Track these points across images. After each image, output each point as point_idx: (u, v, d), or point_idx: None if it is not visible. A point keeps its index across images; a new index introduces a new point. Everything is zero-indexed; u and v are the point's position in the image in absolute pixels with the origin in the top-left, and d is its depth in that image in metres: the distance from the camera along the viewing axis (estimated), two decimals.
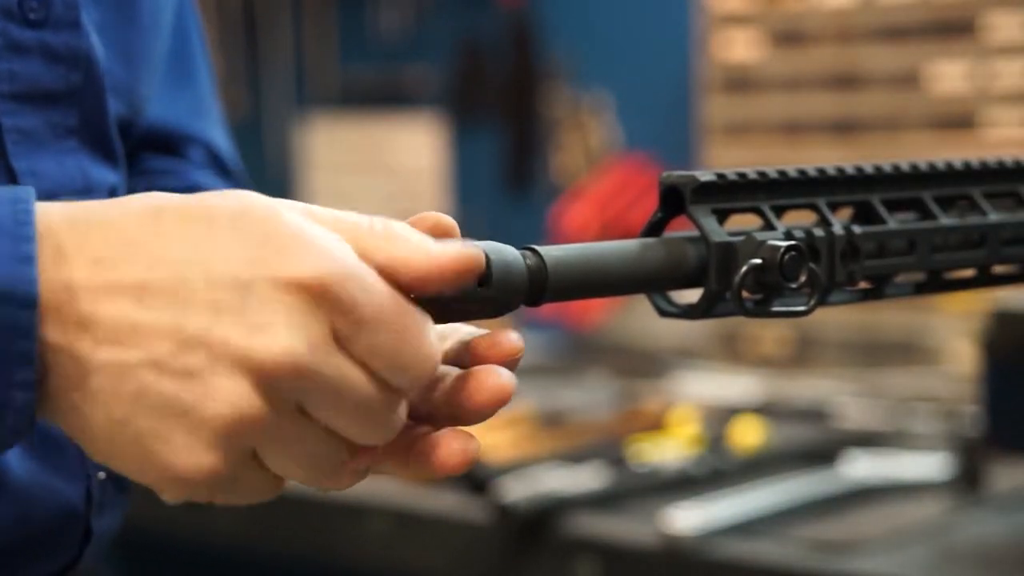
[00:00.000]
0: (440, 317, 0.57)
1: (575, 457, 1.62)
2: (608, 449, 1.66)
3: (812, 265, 0.64)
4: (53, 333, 0.54)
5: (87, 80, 0.77)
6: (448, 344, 0.61)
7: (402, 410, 0.57)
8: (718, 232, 0.63)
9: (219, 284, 0.54)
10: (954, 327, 2.11)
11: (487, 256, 0.57)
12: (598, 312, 2.55)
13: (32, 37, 0.74)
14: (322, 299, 0.53)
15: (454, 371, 0.60)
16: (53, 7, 0.74)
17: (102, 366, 0.54)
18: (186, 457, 0.54)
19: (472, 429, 0.62)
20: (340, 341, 0.54)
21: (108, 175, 0.80)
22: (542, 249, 0.60)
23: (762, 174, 0.65)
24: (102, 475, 0.81)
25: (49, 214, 0.55)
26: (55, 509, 0.77)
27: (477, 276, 0.57)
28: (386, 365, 0.55)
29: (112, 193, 0.80)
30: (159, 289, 0.54)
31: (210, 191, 0.88)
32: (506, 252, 0.58)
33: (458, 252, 0.56)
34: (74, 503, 0.78)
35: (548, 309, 0.63)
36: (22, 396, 0.54)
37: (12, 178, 0.74)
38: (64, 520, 0.78)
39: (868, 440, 1.74)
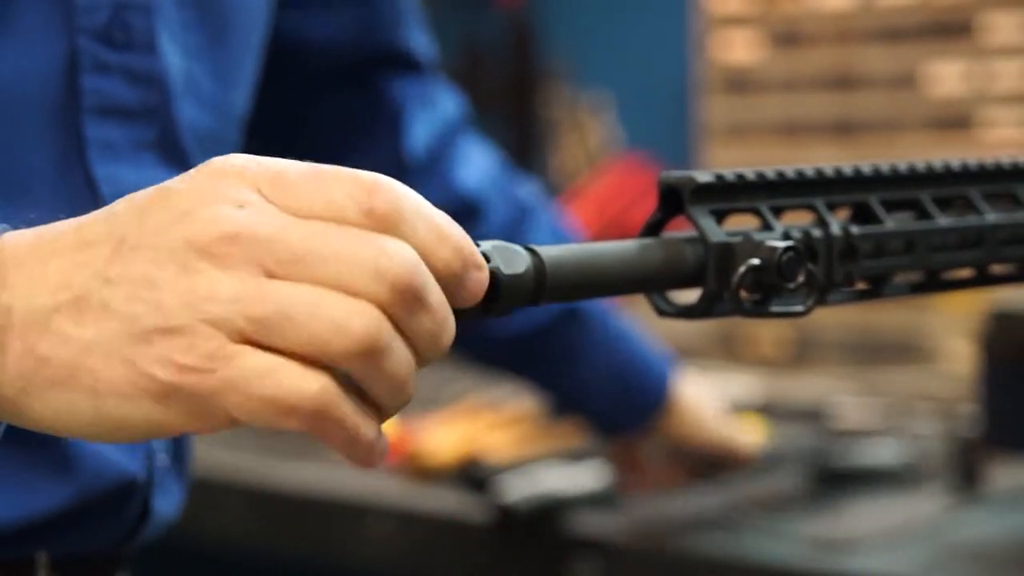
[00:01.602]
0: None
1: (575, 457, 1.62)
2: (608, 448, 1.66)
3: (810, 265, 0.64)
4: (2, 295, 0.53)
5: (162, 99, 0.83)
6: None
7: (390, 241, 0.53)
8: (716, 232, 0.63)
9: (145, 197, 0.54)
10: (952, 327, 2.11)
11: (493, 255, 0.58)
12: None
13: (116, 59, 0.80)
14: (246, 171, 0.53)
15: None
16: (134, 32, 0.81)
17: (58, 306, 0.53)
18: (163, 348, 0.52)
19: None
20: (280, 202, 0.53)
21: None
22: (541, 249, 0.60)
23: (760, 175, 0.66)
24: (164, 457, 0.83)
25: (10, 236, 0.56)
26: (113, 481, 0.79)
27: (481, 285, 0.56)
28: (334, 202, 0.53)
29: None
30: (94, 230, 0.54)
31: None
32: (516, 253, 0.59)
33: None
34: (132, 476, 0.79)
35: None
36: None
37: (91, 184, 0.80)
38: (122, 493, 0.80)
39: (867, 439, 1.74)
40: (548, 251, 0.60)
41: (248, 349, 0.51)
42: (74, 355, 0.52)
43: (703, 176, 0.64)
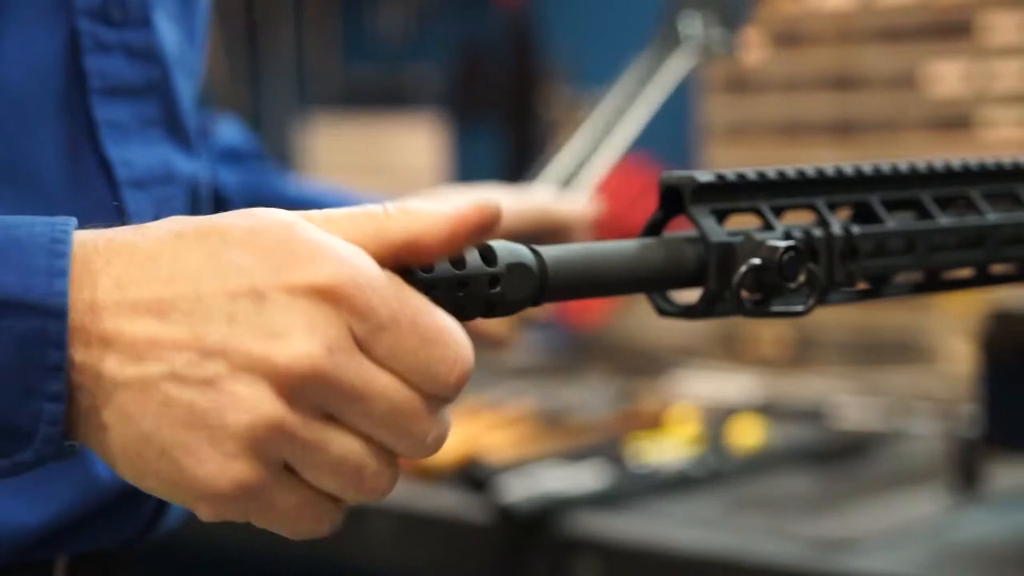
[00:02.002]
0: (456, 317, 0.57)
1: (575, 457, 1.62)
2: (608, 448, 1.66)
3: (811, 265, 0.64)
4: (78, 353, 0.55)
5: (162, 73, 0.82)
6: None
7: (444, 418, 0.57)
8: (717, 232, 0.63)
9: (235, 294, 0.54)
10: (952, 327, 2.11)
11: (498, 254, 0.58)
12: (599, 313, 2.56)
13: (115, 36, 0.80)
14: (337, 303, 0.54)
15: None
16: (130, 8, 0.80)
17: (126, 382, 0.55)
18: (213, 468, 0.54)
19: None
20: (361, 344, 0.55)
21: (187, 163, 0.85)
22: (542, 249, 0.60)
23: (761, 175, 0.66)
24: None
25: (84, 238, 0.56)
26: None
27: (496, 225, 0.57)
28: (410, 368, 0.55)
29: (193, 181, 0.85)
30: (177, 304, 0.55)
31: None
32: (520, 252, 0.59)
33: (472, 206, 0.57)
34: None
35: (548, 309, 0.64)
36: (53, 408, 0.55)
37: (106, 167, 0.79)
38: (131, 494, 0.79)
39: (867, 439, 1.75)
40: (549, 251, 0.60)
41: (286, 487, 0.56)
42: (129, 435, 0.55)
43: (704, 176, 0.64)
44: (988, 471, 1.51)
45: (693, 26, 1.27)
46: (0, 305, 0.54)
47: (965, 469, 1.51)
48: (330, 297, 0.54)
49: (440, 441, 0.57)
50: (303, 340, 0.54)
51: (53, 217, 0.57)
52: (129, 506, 0.81)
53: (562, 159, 1.32)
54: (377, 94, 3.28)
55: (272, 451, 0.54)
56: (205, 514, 0.56)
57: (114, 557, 0.85)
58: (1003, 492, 1.52)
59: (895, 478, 1.61)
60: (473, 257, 0.57)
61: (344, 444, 0.55)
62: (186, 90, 0.85)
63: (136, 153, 0.81)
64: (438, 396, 0.56)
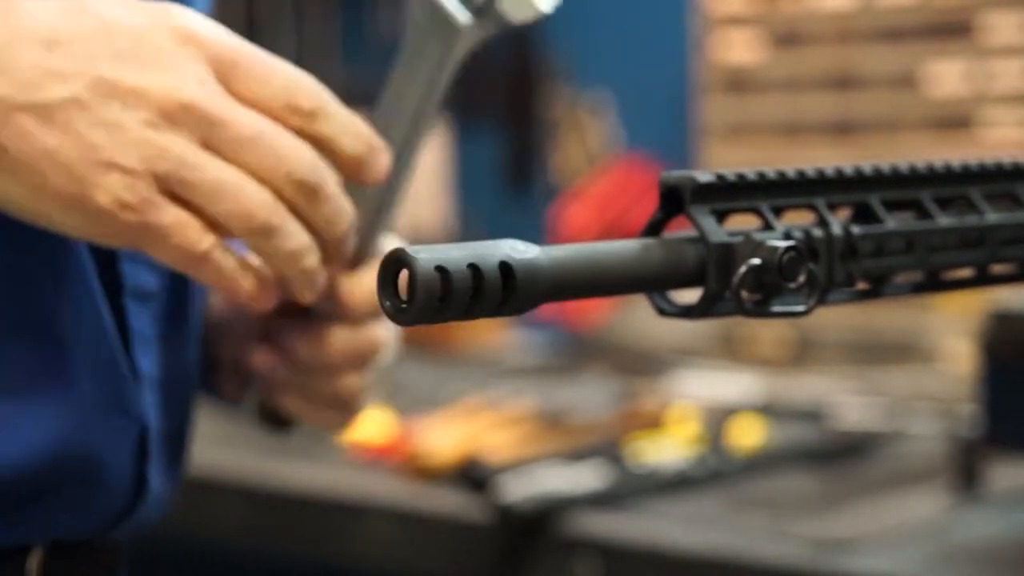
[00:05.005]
0: (464, 315, 0.57)
1: (575, 457, 1.62)
2: (608, 448, 1.66)
3: (811, 265, 0.64)
4: None
5: None
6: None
7: (331, 183, 0.69)
8: (717, 232, 0.63)
9: (119, 34, 0.65)
10: (952, 327, 2.11)
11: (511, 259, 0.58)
12: (598, 312, 2.56)
13: None
14: (200, 46, 0.67)
15: None
16: None
17: (25, 106, 0.62)
18: (116, 180, 0.64)
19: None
20: (226, 84, 0.67)
21: None
22: (543, 249, 0.60)
23: (761, 175, 0.66)
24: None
25: None
26: (93, 449, 0.75)
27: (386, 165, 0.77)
28: (269, 96, 0.68)
29: None
30: (66, 39, 0.63)
31: None
32: (526, 251, 0.59)
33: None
34: (117, 444, 0.76)
35: (548, 309, 0.64)
36: None
37: None
38: (106, 463, 0.76)
39: (867, 439, 1.75)
40: (550, 251, 0.60)
41: (170, 204, 0.66)
42: (30, 153, 0.62)
43: (704, 176, 0.64)
44: (988, 471, 1.51)
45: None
46: None
47: (965, 469, 1.51)
48: (193, 41, 0.67)
49: (306, 157, 0.69)
50: (175, 75, 0.66)
51: None
52: (96, 483, 0.76)
53: None
54: (377, 94, 3.29)
55: (166, 171, 0.65)
56: (99, 234, 0.65)
57: (91, 549, 0.80)
58: (1003, 492, 1.52)
59: (895, 478, 1.61)
60: (490, 256, 0.57)
61: (221, 168, 0.66)
62: None
63: None
64: (290, 121, 0.69)
